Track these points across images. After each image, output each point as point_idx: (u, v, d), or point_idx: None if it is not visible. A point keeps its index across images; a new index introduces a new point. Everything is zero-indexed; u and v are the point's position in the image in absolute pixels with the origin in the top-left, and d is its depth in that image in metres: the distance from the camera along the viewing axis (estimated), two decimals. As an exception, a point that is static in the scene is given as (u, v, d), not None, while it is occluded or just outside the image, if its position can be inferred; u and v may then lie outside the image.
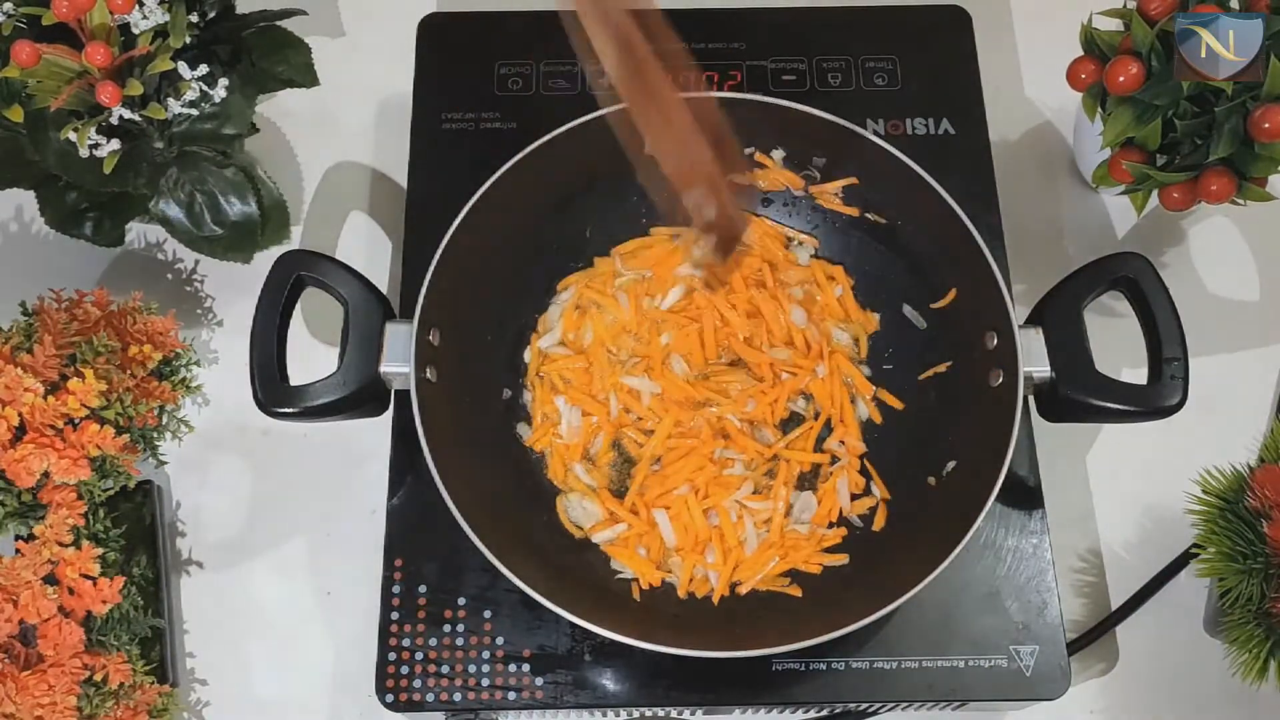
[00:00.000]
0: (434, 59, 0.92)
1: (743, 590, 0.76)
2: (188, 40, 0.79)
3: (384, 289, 0.77)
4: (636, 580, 0.76)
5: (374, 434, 0.81)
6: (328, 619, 0.81)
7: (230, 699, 0.80)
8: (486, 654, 0.74)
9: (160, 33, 0.78)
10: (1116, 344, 0.78)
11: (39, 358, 0.73)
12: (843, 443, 0.80)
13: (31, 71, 0.74)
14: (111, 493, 0.77)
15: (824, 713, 0.77)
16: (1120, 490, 0.85)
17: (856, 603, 0.69)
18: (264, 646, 0.81)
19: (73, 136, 0.78)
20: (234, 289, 0.89)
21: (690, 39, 0.92)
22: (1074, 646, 0.79)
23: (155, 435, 0.79)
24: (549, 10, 0.95)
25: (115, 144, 0.79)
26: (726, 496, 0.77)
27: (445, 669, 0.74)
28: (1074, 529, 0.83)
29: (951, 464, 0.76)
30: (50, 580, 0.71)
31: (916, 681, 0.74)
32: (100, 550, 0.73)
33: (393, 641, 0.74)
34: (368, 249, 0.92)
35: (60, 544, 0.71)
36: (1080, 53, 0.84)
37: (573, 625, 0.70)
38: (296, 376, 0.74)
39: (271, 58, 0.86)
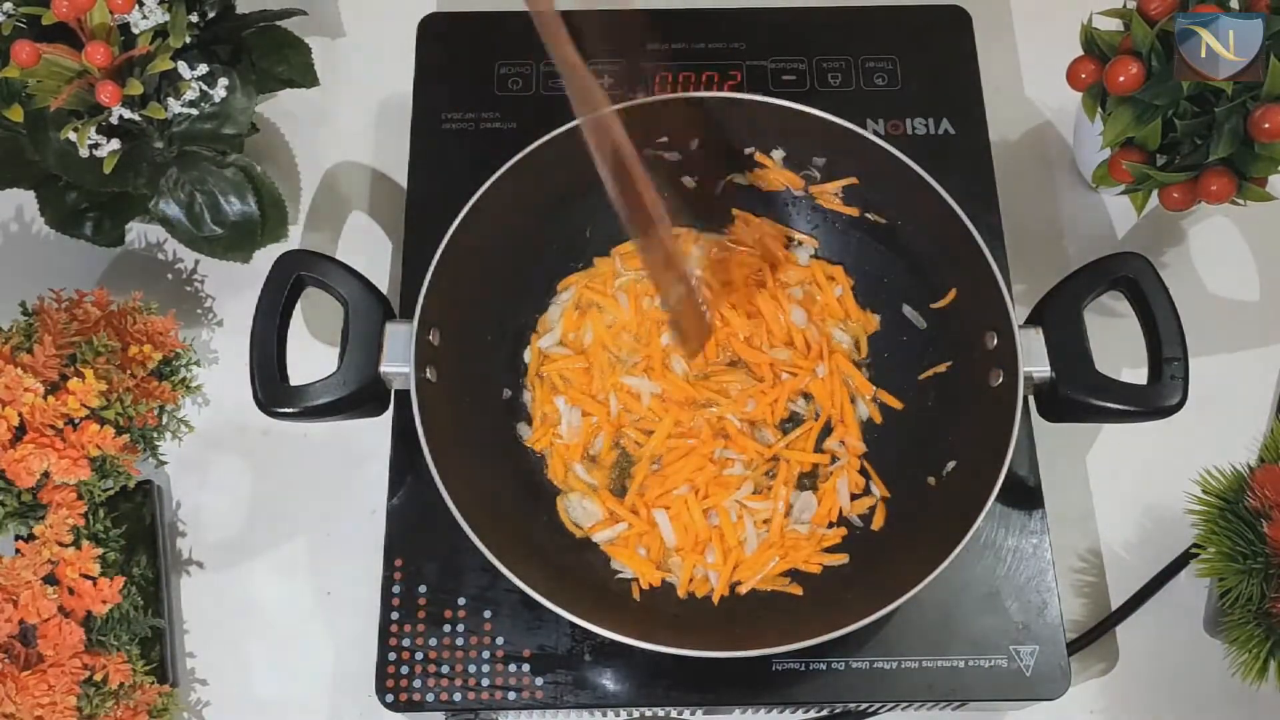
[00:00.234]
0: (434, 59, 0.92)
1: (743, 590, 0.76)
2: (188, 40, 0.79)
3: (384, 289, 0.77)
4: (636, 580, 0.76)
5: (374, 434, 0.81)
6: (328, 619, 0.81)
7: (230, 699, 0.80)
8: (486, 654, 0.74)
9: (160, 33, 0.78)
10: (1116, 344, 0.78)
11: (39, 358, 0.73)
12: (843, 443, 0.80)
13: (31, 71, 0.74)
14: (111, 493, 0.77)
15: (824, 713, 0.77)
16: (1120, 490, 0.85)
17: (856, 603, 0.69)
18: (264, 646, 0.81)
19: (73, 136, 0.78)
20: (234, 289, 0.89)
21: (690, 39, 0.94)
22: (1074, 646, 0.79)
23: (155, 435, 0.79)
24: (549, 10, 0.96)
25: (115, 144, 0.79)
26: (726, 496, 0.77)
27: (445, 669, 0.74)
28: (1074, 529, 0.83)
29: (951, 464, 0.76)
30: (50, 580, 0.71)
31: (916, 681, 0.74)
32: (100, 550, 0.73)
33: (393, 641, 0.74)
34: (368, 249, 0.92)
35: (60, 544, 0.71)
36: (1080, 53, 0.84)
37: (573, 625, 0.70)
38: (296, 376, 0.74)
39: (271, 58, 0.86)
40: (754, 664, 0.74)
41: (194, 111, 0.82)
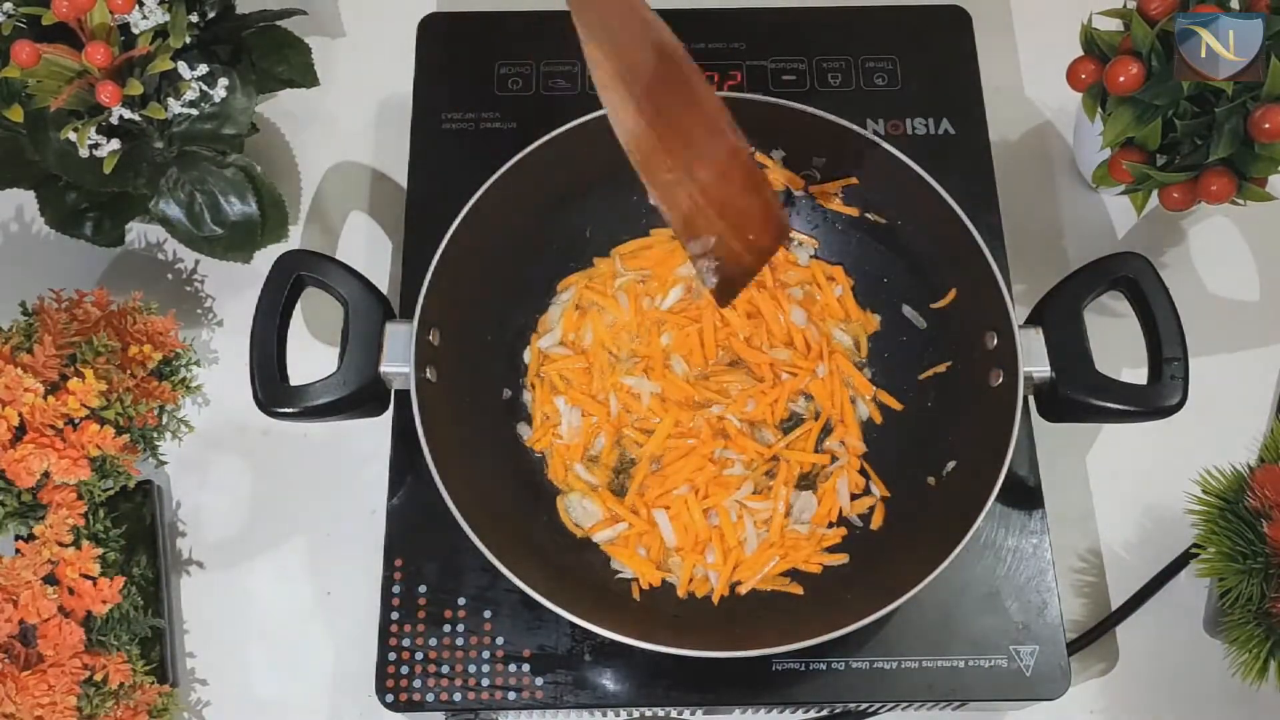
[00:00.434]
0: (434, 59, 0.92)
1: (743, 590, 0.76)
2: (188, 40, 0.79)
3: (384, 289, 0.77)
4: (636, 580, 0.76)
5: (374, 434, 0.81)
6: (328, 619, 0.81)
7: (230, 699, 0.80)
8: (486, 654, 0.74)
9: (160, 33, 0.78)
10: (1116, 344, 0.78)
11: (39, 358, 0.73)
12: (843, 443, 0.80)
13: (31, 71, 0.74)
14: (111, 493, 0.77)
15: (824, 713, 0.77)
16: (1120, 490, 0.85)
17: (856, 603, 0.69)
18: (264, 646, 0.81)
19: (73, 136, 0.78)
20: (234, 289, 0.89)
21: (690, 39, 0.93)
22: (1074, 646, 0.79)
23: (155, 435, 0.79)
24: (549, 10, 0.96)
25: (115, 144, 0.79)
26: (726, 496, 0.77)
27: (445, 669, 0.74)
28: (1074, 529, 0.83)
29: (951, 464, 0.76)
30: (50, 580, 0.71)
31: (916, 681, 0.74)
32: (100, 550, 0.73)
33: (393, 641, 0.74)
34: (368, 249, 0.92)
35: (60, 544, 0.71)
36: (1080, 53, 0.84)
37: (573, 625, 0.70)
38: (296, 376, 0.74)
39: (271, 58, 0.86)
40: (754, 664, 0.74)
41: (194, 111, 0.82)
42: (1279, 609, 0.70)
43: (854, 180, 0.83)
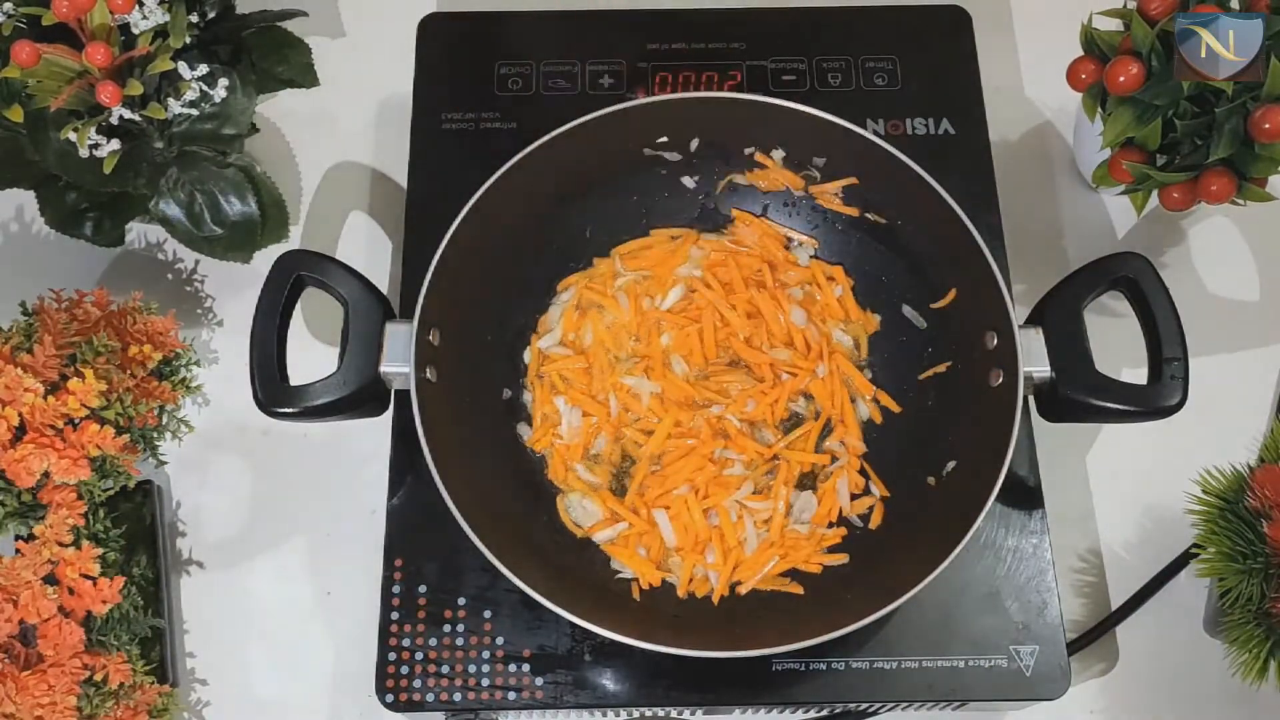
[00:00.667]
0: (434, 59, 0.92)
1: (743, 590, 0.76)
2: (188, 40, 0.79)
3: (384, 289, 0.77)
4: (636, 580, 0.76)
5: (374, 434, 0.81)
6: (328, 619, 0.81)
7: (230, 699, 0.80)
8: (486, 654, 0.74)
9: (160, 33, 0.78)
10: (1116, 344, 0.78)
11: (39, 358, 0.73)
12: (843, 443, 0.80)
13: (31, 71, 0.74)
14: (111, 493, 0.77)
15: (824, 713, 0.77)
16: (1120, 490, 0.85)
17: (856, 603, 0.69)
18: (264, 646, 0.81)
19: (73, 136, 0.78)
20: (234, 289, 0.89)
21: (690, 39, 0.94)
22: (1074, 646, 0.79)
23: (155, 435, 0.79)
24: (549, 10, 0.96)
25: (115, 144, 0.79)
26: (726, 496, 0.77)
27: (445, 669, 0.74)
28: (1074, 529, 0.83)
29: (951, 464, 0.76)
30: (50, 580, 0.71)
31: (916, 681, 0.74)
32: (100, 550, 0.73)
33: (393, 641, 0.74)
34: (368, 249, 0.92)
35: (60, 544, 0.71)
36: (1080, 53, 0.84)
37: (573, 625, 0.70)
38: (296, 376, 0.74)
39: (271, 58, 0.86)
40: (754, 664, 0.73)
41: (194, 111, 0.82)
42: (1279, 609, 0.70)
43: (854, 180, 0.83)
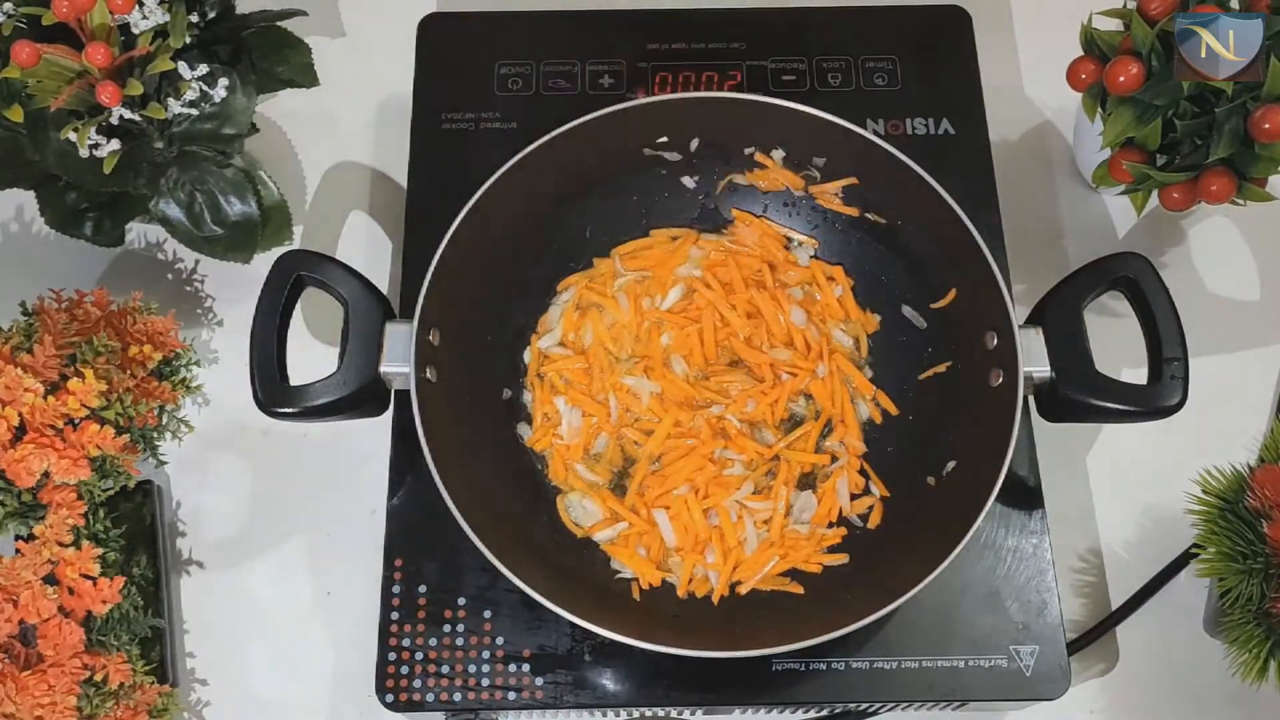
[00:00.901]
0: (434, 59, 0.92)
1: (743, 590, 0.76)
2: (188, 40, 0.79)
3: (384, 289, 0.77)
4: (636, 580, 0.76)
5: (374, 434, 0.81)
6: (328, 619, 0.81)
7: (230, 699, 0.80)
8: (486, 654, 0.74)
9: (160, 33, 0.78)
10: (1116, 344, 0.78)
11: (39, 358, 0.73)
12: (843, 443, 0.80)
13: (31, 71, 0.74)
14: (111, 493, 0.77)
15: (824, 713, 0.77)
16: (1120, 490, 0.85)
17: (856, 603, 0.69)
18: (264, 646, 0.81)
19: (73, 136, 0.78)
20: (234, 289, 0.89)
21: (690, 39, 0.94)
22: (1074, 646, 0.79)
23: (155, 435, 0.79)
24: (549, 10, 0.96)
25: (115, 144, 0.79)
26: (726, 496, 0.77)
27: (445, 669, 0.74)
28: (1074, 529, 0.83)
29: (951, 464, 0.76)
30: (50, 580, 0.71)
31: (916, 681, 0.74)
32: (100, 550, 0.73)
33: (393, 641, 0.74)
34: (368, 249, 0.92)
35: (60, 544, 0.71)
36: (1080, 53, 0.84)
37: (573, 625, 0.70)
38: (296, 376, 0.74)
39: (271, 58, 0.86)
40: (754, 664, 0.74)
41: (194, 111, 0.82)
42: (1279, 609, 0.70)
43: (854, 180, 0.83)
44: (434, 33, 0.93)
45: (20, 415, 0.71)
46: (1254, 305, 0.91)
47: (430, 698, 0.73)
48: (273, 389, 0.73)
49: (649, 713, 0.77)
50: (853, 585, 0.75)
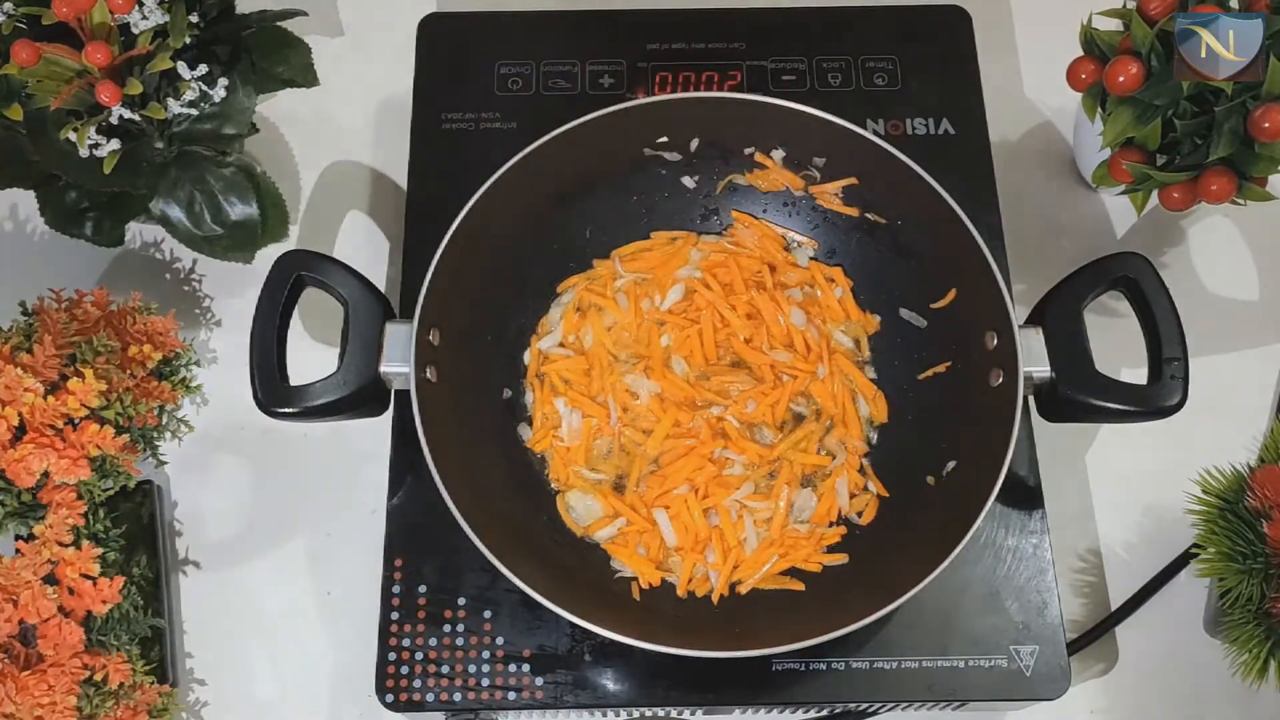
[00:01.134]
0: (434, 59, 0.92)
1: (743, 590, 0.76)
2: (188, 40, 0.79)
3: (384, 289, 0.77)
4: (636, 580, 0.76)
5: (374, 434, 0.81)
6: (328, 619, 0.81)
7: (230, 699, 0.80)
8: (486, 654, 0.74)
9: (160, 33, 0.78)
10: (1116, 344, 0.78)
11: (39, 358, 0.73)
12: (843, 443, 0.80)
13: (31, 71, 0.74)
14: (111, 493, 0.76)
15: (824, 713, 0.77)
16: (1120, 490, 0.85)
17: (856, 603, 0.69)
18: (264, 646, 0.81)
19: (73, 136, 0.78)
20: (234, 289, 0.89)
21: (690, 39, 0.94)
22: (1074, 646, 0.79)
23: (155, 435, 0.79)
24: (549, 10, 0.97)
25: (115, 144, 0.79)
26: (726, 496, 0.77)
27: (445, 669, 0.74)
28: (1074, 529, 0.83)
29: (951, 464, 0.76)
30: (50, 580, 0.71)
31: (916, 681, 0.74)
32: (100, 550, 0.73)
33: (393, 641, 0.74)
34: (367, 249, 0.92)
35: (60, 544, 0.71)
36: (1080, 53, 0.84)
37: (573, 625, 0.70)
38: (296, 376, 0.73)
39: (271, 58, 0.86)
40: (754, 664, 0.74)
41: (194, 111, 0.82)
42: (1279, 609, 0.70)
43: (854, 180, 0.83)
44: (434, 33, 0.93)
45: (20, 415, 0.71)
46: (1254, 305, 0.91)
47: (430, 698, 0.73)
48: (273, 389, 0.72)
49: (649, 713, 0.77)
50: (853, 585, 0.75)
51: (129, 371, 0.78)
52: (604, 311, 0.83)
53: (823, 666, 0.74)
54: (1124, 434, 0.84)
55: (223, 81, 0.81)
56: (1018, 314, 0.75)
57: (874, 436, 0.81)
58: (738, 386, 0.81)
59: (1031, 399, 0.75)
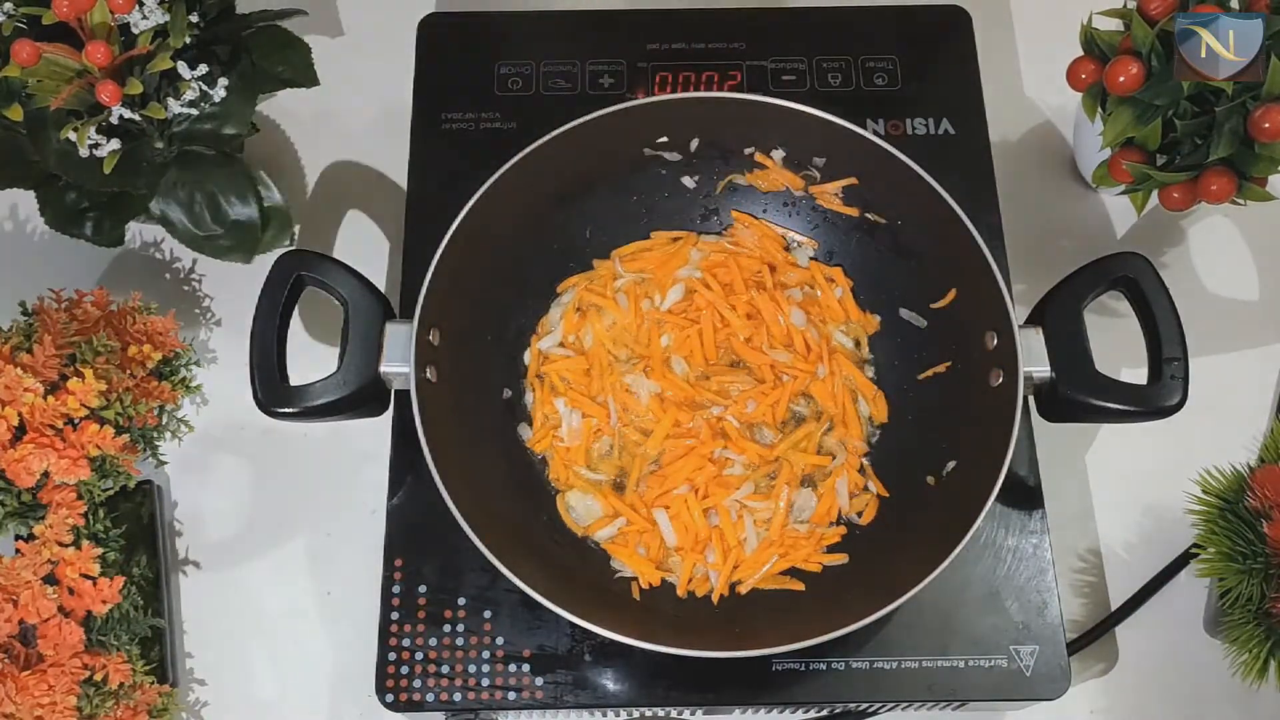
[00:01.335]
0: (434, 59, 0.92)
1: (743, 590, 0.76)
2: (188, 40, 0.79)
3: (384, 289, 0.77)
4: (636, 580, 0.76)
5: (374, 434, 0.81)
6: (328, 619, 0.81)
7: (230, 699, 0.80)
8: (486, 654, 0.74)
9: (160, 32, 0.78)
10: (1116, 344, 0.78)
11: (39, 358, 0.73)
12: (843, 443, 0.80)
13: (31, 71, 0.74)
14: (111, 493, 0.77)
15: (824, 713, 0.77)
16: (1120, 490, 0.85)
17: (856, 603, 0.69)
18: (264, 646, 0.81)
19: (73, 136, 0.78)
20: (234, 289, 0.89)
21: (690, 39, 0.94)
22: (1074, 646, 0.79)
23: (155, 435, 0.79)
24: (549, 10, 0.97)
25: (115, 144, 0.79)
26: (726, 496, 0.77)
27: (445, 669, 0.74)
28: (1074, 529, 0.83)
29: (951, 464, 0.76)
30: (50, 580, 0.71)
31: (916, 681, 0.74)
32: (100, 550, 0.73)
33: (393, 641, 0.74)
34: (368, 249, 0.92)
35: (60, 544, 0.71)
36: (1080, 53, 0.84)
37: (573, 625, 0.70)
38: (296, 376, 0.73)
39: (271, 58, 0.86)
40: (754, 664, 0.74)
41: (194, 111, 0.82)
42: (1279, 609, 0.70)
43: (854, 180, 0.83)
44: (434, 33, 0.93)
45: (20, 415, 0.71)
46: (1254, 305, 0.91)
47: (430, 698, 0.73)
48: (273, 389, 0.72)
49: (649, 713, 0.77)
50: (853, 585, 0.75)
51: (129, 371, 0.78)
52: (604, 311, 0.83)
53: (823, 666, 0.74)
54: (1124, 434, 0.84)
55: (223, 81, 0.81)
56: (1018, 314, 0.75)
57: (874, 436, 0.81)
58: (738, 386, 0.81)
59: (1031, 399, 0.75)
